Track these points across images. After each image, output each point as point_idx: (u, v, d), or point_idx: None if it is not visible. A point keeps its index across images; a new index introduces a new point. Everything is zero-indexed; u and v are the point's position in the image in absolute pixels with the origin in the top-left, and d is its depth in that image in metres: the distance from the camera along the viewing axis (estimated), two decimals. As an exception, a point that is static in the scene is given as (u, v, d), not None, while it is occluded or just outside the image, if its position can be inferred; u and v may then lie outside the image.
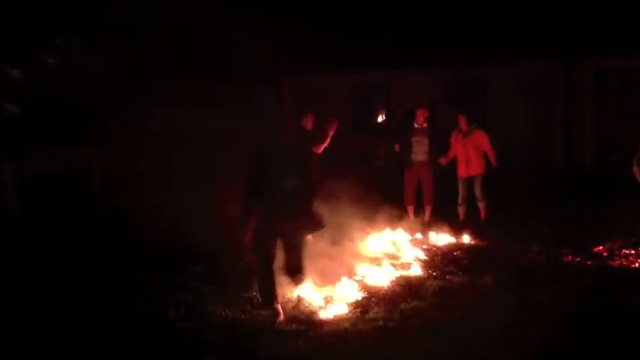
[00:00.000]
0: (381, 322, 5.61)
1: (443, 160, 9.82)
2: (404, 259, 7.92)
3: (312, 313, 5.90)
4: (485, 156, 9.71)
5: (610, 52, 14.00)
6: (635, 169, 4.84)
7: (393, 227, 9.23)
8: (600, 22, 14.25)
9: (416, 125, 9.91)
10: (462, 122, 9.79)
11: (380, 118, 14.97)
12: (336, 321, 5.70)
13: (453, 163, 9.89)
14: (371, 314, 5.85)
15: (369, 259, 7.78)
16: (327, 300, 6.21)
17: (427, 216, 10.04)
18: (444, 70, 15.09)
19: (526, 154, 14.27)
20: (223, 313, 5.93)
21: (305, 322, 5.69)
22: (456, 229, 9.23)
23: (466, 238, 8.85)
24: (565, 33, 14.53)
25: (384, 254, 8.19)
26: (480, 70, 15.05)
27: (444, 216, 9.84)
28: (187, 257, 7.55)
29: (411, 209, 10.13)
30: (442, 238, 8.94)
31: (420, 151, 9.84)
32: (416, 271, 7.36)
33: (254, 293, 6.42)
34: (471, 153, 9.69)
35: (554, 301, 5.99)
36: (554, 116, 15.05)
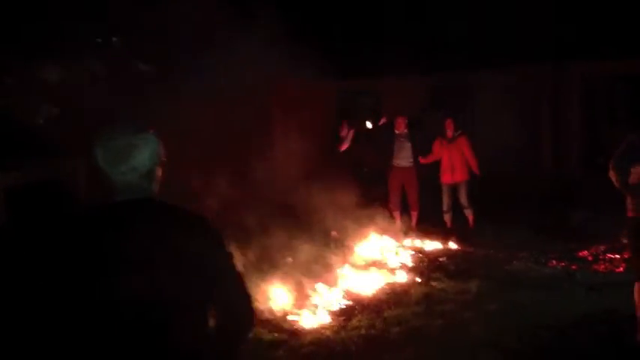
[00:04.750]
0: (363, 331, 5.57)
1: (422, 160, 9.82)
2: (390, 266, 7.89)
3: (294, 321, 5.85)
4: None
5: (599, 58, 14.02)
6: (610, 173, 4.82)
7: (380, 233, 9.21)
8: (589, 28, 14.28)
9: (397, 132, 9.93)
10: (449, 128, 9.80)
11: (369, 124, 14.97)
12: (319, 329, 5.67)
13: (437, 169, 9.89)
14: (354, 322, 5.82)
15: (355, 266, 7.75)
16: (311, 308, 6.17)
17: (414, 222, 10.02)
18: (431, 75, 15.08)
19: (514, 160, 14.24)
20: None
21: (287, 330, 5.65)
22: (443, 235, 9.21)
23: (452, 244, 8.83)
24: (553, 38, 14.55)
25: (371, 260, 8.16)
26: (468, 76, 15.04)
27: (431, 222, 9.82)
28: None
29: (397, 215, 10.10)
30: (428, 244, 8.92)
31: (402, 157, 9.85)
32: (401, 277, 7.34)
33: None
34: (455, 159, 9.70)
35: (538, 308, 5.96)
36: (542, 121, 15.04)
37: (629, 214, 4.89)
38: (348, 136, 10.52)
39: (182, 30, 7.81)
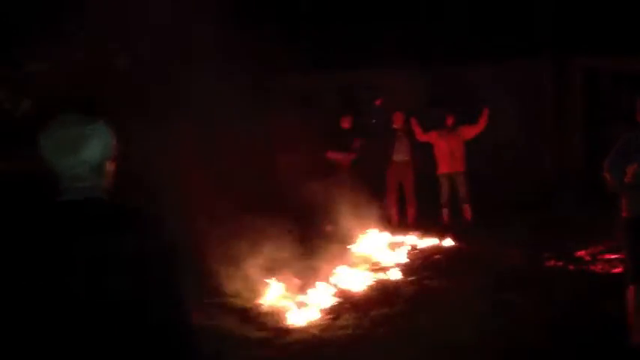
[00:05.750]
0: (350, 330, 5.48)
1: (416, 127, 9.73)
2: (383, 263, 7.79)
3: (283, 319, 5.76)
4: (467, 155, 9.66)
5: (600, 53, 13.85)
6: (605, 174, 4.68)
7: (376, 229, 9.10)
8: (591, 23, 14.10)
9: (394, 127, 9.84)
10: (450, 119, 9.79)
11: (373, 120, 14.85)
12: (306, 328, 5.57)
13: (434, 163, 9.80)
14: (342, 320, 5.73)
15: (348, 263, 7.65)
16: (300, 305, 6.08)
17: (411, 217, 9.91)
18: (432, 69, 14.93)
19: (515, 156, 14.11)
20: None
21: (274, 328, 5.56)
22: (439, 232, 9.09)
23: (448, 242, 8.71)
24: (555, 33, 14.39)
25: (365, 257, 8.07)
26: (469, 70, 14.89)
27: (428, 218, 9.71)
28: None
29: (394, 211, 10.00)
30: (424, 241, 8.81)
31: (399, 152, 9.75)
32: (394, 275, 7.23)
33: (226, 298, 6.31)
34: (455, 148, 9.65)
35: (531, 309, 5.84)
36: (543, 117, 14.89)
37: (624, 214, 4.77)
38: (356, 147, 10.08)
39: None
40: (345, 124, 10.16)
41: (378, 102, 10.94)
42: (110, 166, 2.03)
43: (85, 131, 1.94)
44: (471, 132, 9.69)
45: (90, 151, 1.93)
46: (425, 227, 9.34)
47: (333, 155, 9.81)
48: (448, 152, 9.63)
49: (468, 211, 9.74)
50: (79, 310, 1.79)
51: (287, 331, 5.50)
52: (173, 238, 1.94)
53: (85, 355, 1.79)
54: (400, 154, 9.78)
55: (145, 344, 1.84)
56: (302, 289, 6.50)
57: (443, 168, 9.73)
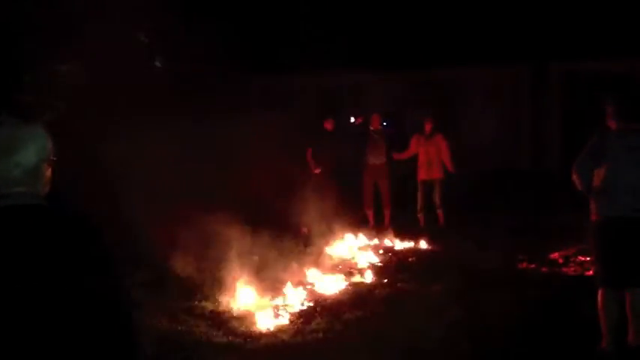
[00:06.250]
0: (321, 334, 5.40)
1: (396, 156, 9.70)
2: (358, 266, 7.74)
3: (252, 324, 5.67)
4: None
5: (579, 57, 13.95)
6: (573, 176, 4.67)
7: (352, 232, 9.06)
8: (570, 27, 14.20)
9: (371, 129, 9.80)
10: (428, 125, 9.73)
11: (352, 119, 14.82)
12: (275, 332, 5.49)
13: (413, 167, 9.77)
14: (313, 325, 5.64)
15: (323, 266, 7.58)
16: (270, 310, 6.00)
17: (386, 220, 9.89)
18: (412, 72, 14.95)
19: (493, 158, 14.17)
20: (160, 325, 5.66)
21: (243, 334, 5.46)
22: (415, 235, 9.06)
23: (423, 244, 8.68)
24: (534, 37, 14.46)
25: (339, 260, 8.01)
26: (449, 73, 14.94)
27: (404, 220, 9.69)
28: (130, 265, 7.24)
29: (370, 213, 9.97)
30: (399, 244, 8.78)
31: (376, 155, 9.72)
32: (367, 278, 7.18)
33: (196, 303, 6.22)
34: (432, 156, 9.62)
35: (502, 312, 5.79)
36: (522, 120, 14.98)
37: (592, 217, 4.76)
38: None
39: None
40: (328, 125, 10.11)
41: (357, 121, 10.91)
42: (47, 170, 1.94)
43: (19, 133, 1.86)
44: (442, 151, 9.64)
45: (25, 154, 1.85)
46: (400, 230, 9.30)
47: (311, 161, 9.73)
48: (426, 161, 9.63)
49: (441, 216, 9.75)
50: (12, 317, 1.71)
51: (256, 335, 5.41)
52: (109, 246, 1.86)
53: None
54: (376, 157, 9.75)
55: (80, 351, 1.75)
56: (274, 293, 6.42)
57: (421, 175, 9.72)
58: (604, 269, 4.72)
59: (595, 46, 13.68)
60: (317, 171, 9.63)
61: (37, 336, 1.70)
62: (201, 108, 9.44)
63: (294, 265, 7.32)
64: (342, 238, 8.79)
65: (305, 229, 8.90)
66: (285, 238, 8.29)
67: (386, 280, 7.06)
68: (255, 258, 7.19)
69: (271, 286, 6.61)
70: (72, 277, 1.74)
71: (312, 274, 7.12)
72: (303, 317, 5.86)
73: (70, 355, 1.72)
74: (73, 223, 1.85)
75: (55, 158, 1.96)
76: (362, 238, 8.91)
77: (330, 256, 8.12)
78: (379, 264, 7.87)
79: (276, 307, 6.10)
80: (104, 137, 7.50)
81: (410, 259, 8.03)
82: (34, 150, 1.87)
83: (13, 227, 1.77)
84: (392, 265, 7.82)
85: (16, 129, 1.86)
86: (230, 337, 5.37)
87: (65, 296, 1.73)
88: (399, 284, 6.88)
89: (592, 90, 14.63)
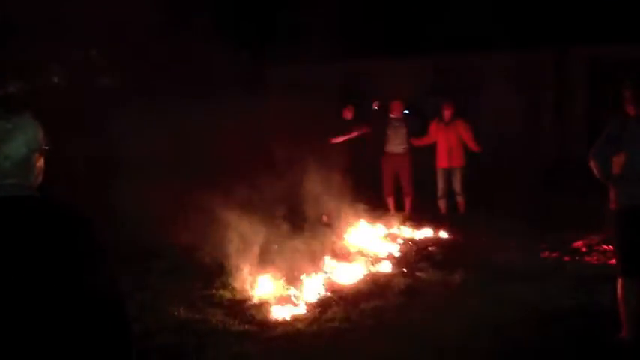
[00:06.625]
0: (337, 323, 5.39)
1: (415, 142, 9.58)
2: (377, 255, 7.70)
3: (269, 312, 5.68)
4: (466, 149, 9.46)
5: (602, 42, 13.66)
6: (591, 163, 4.56)
7: (372, 220, 9.01)
8: (593, 12, 13.90)
9: (392, 116, 9.68)
10: (447, 112, 9.52)
11: (375, 106, 14.70)
12: (292, 321, 5.49)
13: (432, 154, 9.63)
14: (329, 314, 5.63)
15: (342, 255, 7.56)
16: (287, 298, 6.00)
17: (407, 209, 9.81)
18: (433, 58, 14.79)
19: (516, 145, 13.96)
20: (177, 313, 5.70)
21: (259, 322, 5.48)
22: (435, 223, 8.98)
23: (443, 233, 8.60)
24: (557, 22, 14.19)
25: (358, 249, 7.97)
26: (471, 59, 14.74)
27: (425, 209, 9.60)
28: (149, 254, 7.30)
29: (390, 201, 9.90)
30: (419, 232, 8.71)
31: (396, 143, 9.62)
32: (386, 267, 7.14)
33: (213, 291, 6.25)
34: (452, 143, 9.44)
35: (521, 301, 5.73)
36: (546, 106, 14.73)
37: (612, 205, 4.66)
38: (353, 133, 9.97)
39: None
40: (348, 114, 10.05)
41: (375, 105, 10.78)
42: (39, 161, 1.93)
43: (7, 124, 1.84)
44: (464, 135, 9.45)
45: (14, 146, 1.84)
46: (421, 218, 9.23)
47: (338, 140, 9.67)
48: (446, 149, 9.42)
49: (462, 204, 9.61)
50: (4, 310, 1.71)
51: (272, 324, 5.42)
52: (101, 238, 1.85)
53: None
54: (397, 147, 9.64)
55: (74, 344, 1.75)
56: (291, 282, 6.42)
57: (440, 163, 9.55)
58: (623, 258, 4.63)
59: (619, 30, 13.39)
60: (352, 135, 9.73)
61: (28, 329, 1.70)
62: (217, 98, 9.45)
63: (313, 254, 7.31)
64: (362, 226, 8.73)
65: (325, 217, 8.87)
66: (305, 226, 8.26)
67: (405, 270, 7.01)
68: (275, 246, 7.19)
69: (289, 274, 6.60)
70: (63, 270, 1.74)
71: (330, 262, 7.10)
72: (320, 306, 5.85)
73: (59, 345, 1.73)
74: (65, 215, 1.84)
75: (47, 148, 1.95)
76: (382, 227, 8.85)
77: (349, 245, 8.08)
78: (398, 253, 7.81)
79: (293, 296, 6.10)
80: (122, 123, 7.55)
81: (430, 248, 7.96)
82: (24, 141, 1.86)
83: (3, 219, 1.77)
84: (411, 254, 7.75)
85: (4, 120, 1.85)
86: (246, 326, 5.39)
87: (56, 289, 1.73)
88: (417, 273, 6.83)
89: (617, 75, 14.35)
